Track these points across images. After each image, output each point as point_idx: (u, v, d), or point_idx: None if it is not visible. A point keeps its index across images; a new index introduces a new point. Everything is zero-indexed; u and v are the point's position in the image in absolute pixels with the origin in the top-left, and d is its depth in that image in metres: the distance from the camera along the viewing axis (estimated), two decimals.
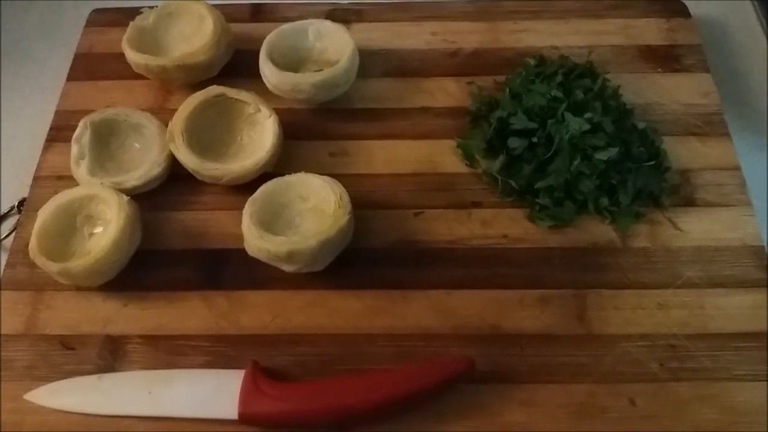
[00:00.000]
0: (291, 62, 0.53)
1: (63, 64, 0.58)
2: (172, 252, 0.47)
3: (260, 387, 0.40)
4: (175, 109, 0.49)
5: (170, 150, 0.48)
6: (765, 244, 0.46)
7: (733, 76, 0.57)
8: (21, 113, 0.57)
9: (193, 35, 0.54)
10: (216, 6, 0.55)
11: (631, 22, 0.58)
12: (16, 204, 0.51)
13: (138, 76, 0.53)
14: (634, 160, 0.47)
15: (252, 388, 0.40)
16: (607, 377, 0.41)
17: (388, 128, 0.52)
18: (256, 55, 0.52)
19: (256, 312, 0.45)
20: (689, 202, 0.48)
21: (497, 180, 0.48)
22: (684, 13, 0.58)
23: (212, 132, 0.49)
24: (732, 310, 0.44)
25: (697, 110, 0.52)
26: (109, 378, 0.42)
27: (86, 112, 0.50)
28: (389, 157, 0.51)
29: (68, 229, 0.46)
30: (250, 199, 0.45)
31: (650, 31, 0.57)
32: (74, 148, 0.48)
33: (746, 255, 0.46)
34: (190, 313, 0.45)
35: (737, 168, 0.49)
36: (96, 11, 0.60)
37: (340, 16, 0.58)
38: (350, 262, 0.46)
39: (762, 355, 0.42)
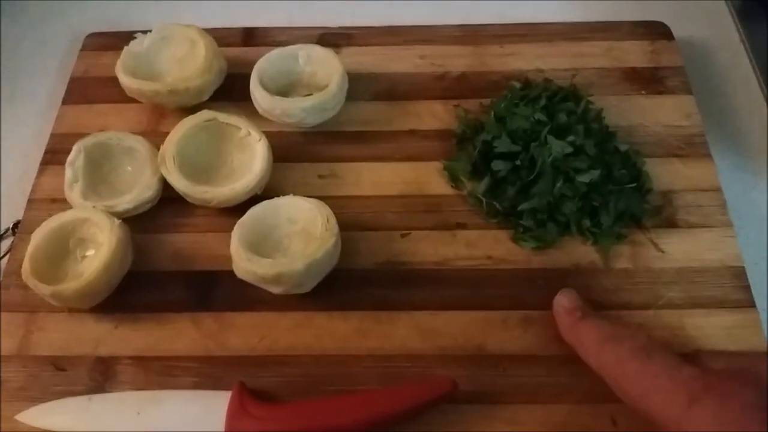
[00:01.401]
0: (281, 86, 0.54)
1: (58, 87, 0.59)
2: (162, 274, 0.48)
3: (246, 408, 0.41)
4: (168, 132, 0.50)
5: (162, 173, 0.49)
6: (745, 264, 0.47)
7: (715, 98, 0.58)
8: (16, 136, 0.58)
9: (185, 59, 0.55)
10: (207, 30, 0.56)
11: (616, 44, 0.59)
12: (11, 226, 0.51)
13: (131, 100, 0.54)
14: (616, 182, 0.48)
15: (238, 409, 0.41)
16: (587, 397, 0.42)
17: (376, 150, 0.53)
18: (247, 78, 0.53)
19: (243, 333, 0.45)
20: (671, 224, 0.49)
21: (482, 202, 0.49)
22: (667, 35, 0.59)
23: (203, 155, 0.50)
24: (713, 330, 0.45)
25: (680, 132, 0.53)
26: (99, 399, 0.43)
27: (80, 136, 0.51)
28: (377, 179, 0.52)
29: (61, 251, 0.46)
30: (239, 221, 0.46)
31: (634, 53, 0.58)
32: (68, 172, 0.49)
33: (727, 276, 0.46)
34: (179, 335, 0.45)
35: (718, 189, 0.50)
36: (91, 36, 0.61)
37: (330, 39, 0.59)
38: (337, 284, 0.47)
39: None
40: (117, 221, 0.46)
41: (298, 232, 0.47)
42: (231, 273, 0.46)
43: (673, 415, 0.34)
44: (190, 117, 0.50)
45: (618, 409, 0.41)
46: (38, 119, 0.59)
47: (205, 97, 0.54)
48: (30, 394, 0.44)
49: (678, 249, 0.48)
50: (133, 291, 0.47)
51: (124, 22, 0.63)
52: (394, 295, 0.47)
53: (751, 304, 0.45)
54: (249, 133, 0.50)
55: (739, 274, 0.46)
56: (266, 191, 0.50)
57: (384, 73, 0.58)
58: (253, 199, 0.48)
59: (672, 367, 0.36)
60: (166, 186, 0.49)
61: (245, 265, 0.44)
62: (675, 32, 0.59)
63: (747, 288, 0.46)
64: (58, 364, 0.45)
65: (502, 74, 0.57)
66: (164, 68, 0.55)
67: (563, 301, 0.43)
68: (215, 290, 0.47)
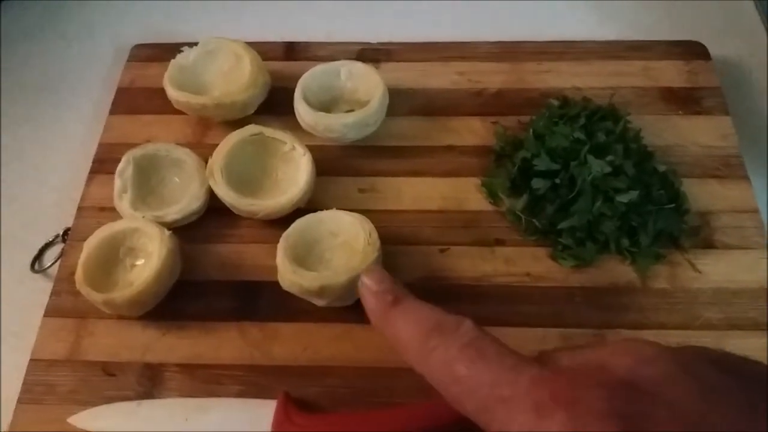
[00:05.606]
0: (323, 101, 0.55)
1: (105, 97, 0.60)
2: (209, 283, 0.49)
3: (291, 417, 0.42)
4: (213, 144, 0.51)
5: (209, 185, 0.50)
6: None
7: (751, 118, 0.58)
8: (64, 145, 0.60)
9: (231, 73, 0.57)
10: (250, 44, 0.57)
11: (652, 64, 0.59)
12: (61, 233, 0.53)
13: (177, 111, 0.56)
14: (655, 203, 0.49)
15: (283, 418, 0.42)
16: None
17: (415, 165, 0.54)
18: (289, 92, 0.54)
19: (287, 343, 0.46)
20: (708, 244, 0.49)
21: (521, 219, 0.50)
22: (704, 55, 0.60)
23: (249, 168, 0.52)
24: (749, 352, 0.43)
25: (717, 153, 0.54)
26: (147, 404, 0.44)
27: (128, 145, 0.53)
28: (416, 193, 0.53)
29: (111, 260, 0.48)
30: (284, 234, 0.47)
31: (670, 73, 0.59)
32: (117, 182, 0.50)
33: (764, 297, 0.47)
34: (225, 343, 0.47)
35: (756, 210, 0.51)
36: (137, 47, 0.63)
37: (371, 55, 0.60)
38: None
39: None
40: (167, 232, 0.47)
41: (339, 245, 0.48)
42: (275, 283, 0.47)
43: None
44: (238, 131, 0.51)
45: None
46: (85, 129, 0.60)
47: (250, 111, 0.55)
48: (80, 398, 0.45)
49: (715, 270, 0.48)
50: (180, 299, 0.48)
51: (166, 35, 0.65)
52: None
53: None
54: (294, 148, 0.51)
55: None
56: (309, 204, 0.51)
57: (422, 88, 0.59)
58: (297, 212, 0.49)
59: (510, 369, 0.29)
60: (212, 197, 0.51)
61: (291, 277, 0.45)
62: (711, 51, 0.60)
63: None
64: (108, 369, 0.46)
65: (540, 91, 0.58)
66: (210, 81, 0.57)
67: (367, 281, 0.34)
68: (260, 300, 0.48)
